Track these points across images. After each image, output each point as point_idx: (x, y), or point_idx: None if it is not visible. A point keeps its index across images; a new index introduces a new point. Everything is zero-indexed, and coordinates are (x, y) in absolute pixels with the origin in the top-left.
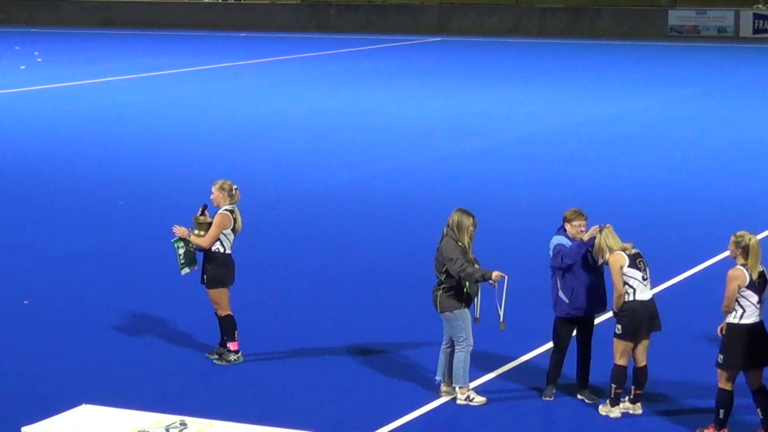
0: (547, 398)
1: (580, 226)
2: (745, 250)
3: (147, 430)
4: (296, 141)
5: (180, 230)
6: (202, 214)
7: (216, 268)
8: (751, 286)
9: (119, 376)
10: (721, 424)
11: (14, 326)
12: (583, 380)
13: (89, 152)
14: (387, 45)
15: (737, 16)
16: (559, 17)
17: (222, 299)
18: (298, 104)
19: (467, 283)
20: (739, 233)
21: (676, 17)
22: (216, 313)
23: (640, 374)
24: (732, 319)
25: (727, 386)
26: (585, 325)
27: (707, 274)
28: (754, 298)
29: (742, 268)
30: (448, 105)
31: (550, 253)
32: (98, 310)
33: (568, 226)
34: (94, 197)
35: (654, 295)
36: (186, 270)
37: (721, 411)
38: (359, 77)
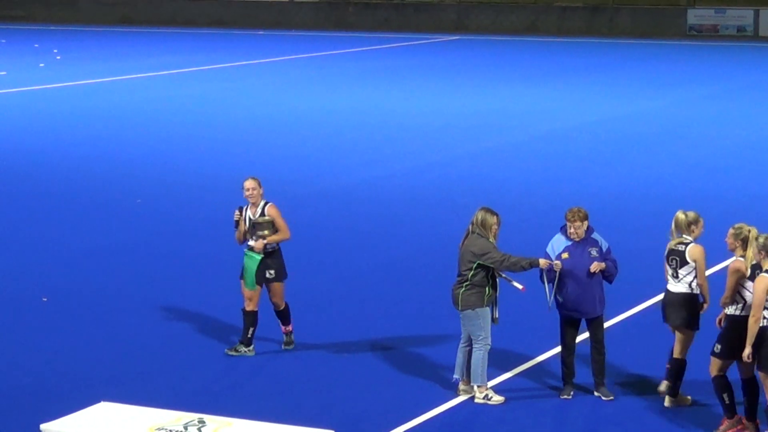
0: (565, 397)
1: (570, 227)
2: (745, 242)
3: (166, 427)
4: (314, 139)
5: (259, 245)
6: (242, 214)
7: (281, 259)
8: (751, 277)
9: (138, 373)
10: (730, 410)
11: (33, 323)
12: (598, 377)
13: (108, 150)
14: (405, 43)
15: (756, 15)
16: (578, 16)
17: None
18: (316, 103)
19: (491, 282)
20: (737, 225)
21: (695, 16)
22: (246, 309)
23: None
24: (734, 311)
25: (722, 372)
26: (592, 324)
27: (724, 273)
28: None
29: (742, 260)
30: (466, 103)
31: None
32: (117, 307)
33: (567, 225)
34: (112, 194)
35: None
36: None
37: (725, 396)
38: (377, 75)
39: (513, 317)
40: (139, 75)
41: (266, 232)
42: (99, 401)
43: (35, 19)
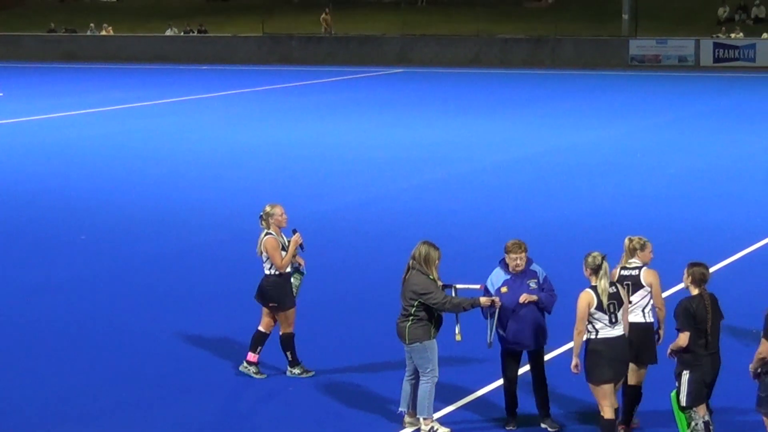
0: (510, 428)
1: (516, 258)
2: (595, 271)
3: None
4: (258, 173)
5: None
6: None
7: None
8: (598, 306)
9: (83, 411)
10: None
11: None
12: (542, 409)
13: (52, 186)
14: (349, 77)
15: (697, 46)
16: (521, 47)
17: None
18: (261, 137)
19: (436, 316)
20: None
21: (636, 47)
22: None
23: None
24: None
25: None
26: (533, 356)
27: (669, 302)
28: (600, 315)
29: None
30: (410, 136)
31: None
32: (58, 344)
33: (507, 258)
34: (56, 231)
35: None
36: None
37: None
38: (321, 109)
39: (457, 349)
40: (83, 111)
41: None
42: None
43: None
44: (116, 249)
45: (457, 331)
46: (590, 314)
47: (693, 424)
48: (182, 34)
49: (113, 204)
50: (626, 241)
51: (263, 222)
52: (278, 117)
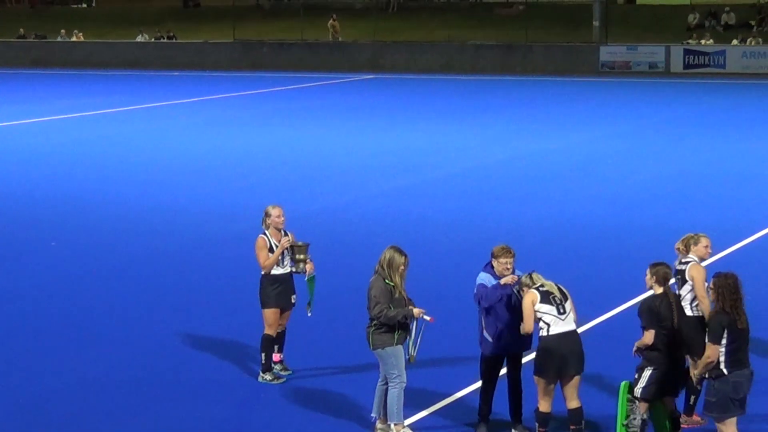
0: None
1: (506, 263)
2: (529, 285)
3: None
4: (230, 180)
5: (310, 267)
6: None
7: None
8: (543, 300)
9: (61, 415)
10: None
11: None
12: (515, 416)
13: (20, 193)
14: (320, 83)
15: (668, 52)
16: (492, 54)
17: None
18: (231, 143)
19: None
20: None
21: (607, 53)
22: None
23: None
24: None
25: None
26: (512, 361)
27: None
28: (548, 308)
29: (532, 291)
30: (382, 142)
31: (475, 290)
32: (34, 347)
33: (495, 263)
34: (25, 237)
35: (587, 330)
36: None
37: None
38: (293, 115)
39: (429, 354)
40: (53, 117)
41: (306, 255)
42: None
43: None
44: (85, 254)
45: (411, 352)
46: (537, 311)
47: (631, 417)
48: (153, 40)
49: (83, 210)
50: (684, 237)
51: (263, 222)
52: (249, 123)
